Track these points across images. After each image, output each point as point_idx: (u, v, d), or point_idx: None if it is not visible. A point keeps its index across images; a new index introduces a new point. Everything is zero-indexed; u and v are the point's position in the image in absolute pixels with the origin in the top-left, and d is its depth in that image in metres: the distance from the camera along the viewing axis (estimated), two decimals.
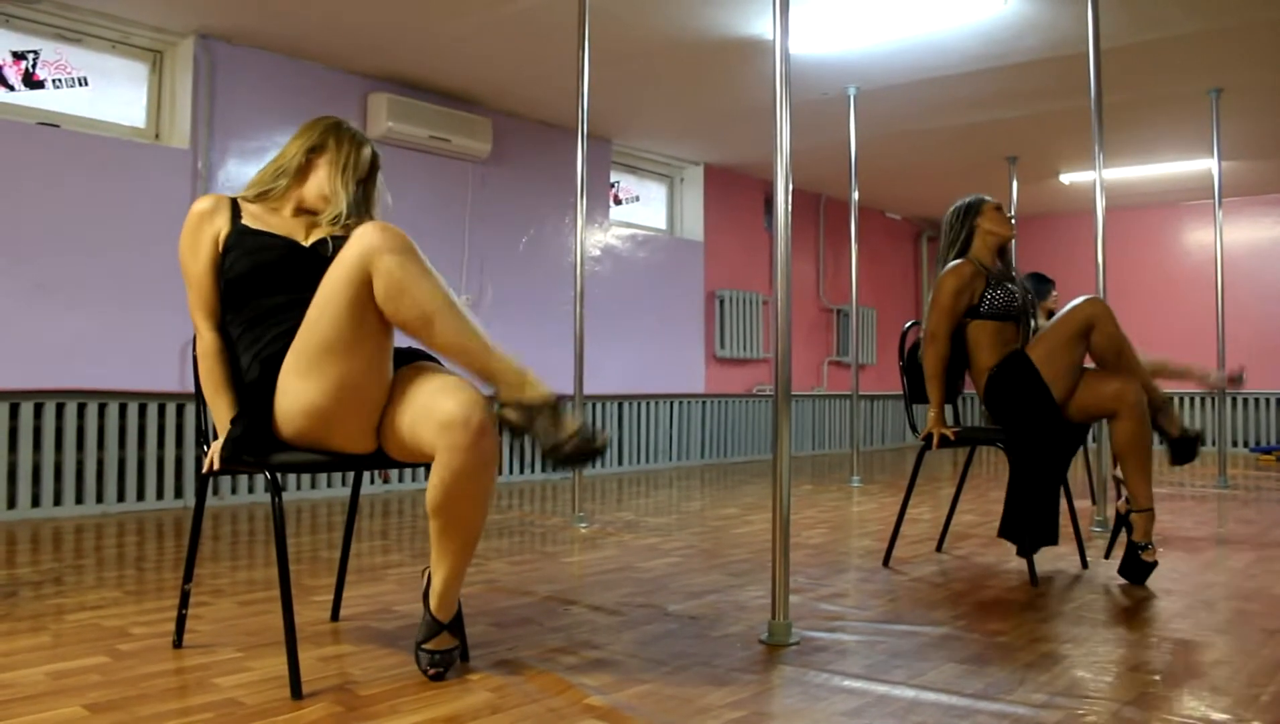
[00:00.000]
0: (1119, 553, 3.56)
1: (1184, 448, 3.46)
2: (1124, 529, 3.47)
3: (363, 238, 2.08)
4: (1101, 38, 4.71)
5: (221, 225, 2.39)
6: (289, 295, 2.32)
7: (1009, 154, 8.04)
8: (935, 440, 3.55)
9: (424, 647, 2.24)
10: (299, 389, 2.15)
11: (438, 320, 2.10)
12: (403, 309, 2.09)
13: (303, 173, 2.50)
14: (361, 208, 2.53)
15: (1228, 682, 2.24)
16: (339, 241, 2.40)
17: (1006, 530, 3.44)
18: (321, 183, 2.48)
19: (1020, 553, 3.43)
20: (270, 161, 2.53)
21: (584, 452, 2.09)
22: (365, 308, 2.10)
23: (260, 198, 2.48)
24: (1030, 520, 3.40)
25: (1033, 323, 3.69)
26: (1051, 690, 2.17)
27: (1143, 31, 5.30)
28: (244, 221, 2.41)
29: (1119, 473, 5.51)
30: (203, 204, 2.40)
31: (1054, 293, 5.68)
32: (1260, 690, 2.17)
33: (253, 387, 2.26)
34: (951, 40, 5.48)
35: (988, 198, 3.74)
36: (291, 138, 2.55)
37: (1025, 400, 3.41)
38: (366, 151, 2.54)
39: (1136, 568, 3.38)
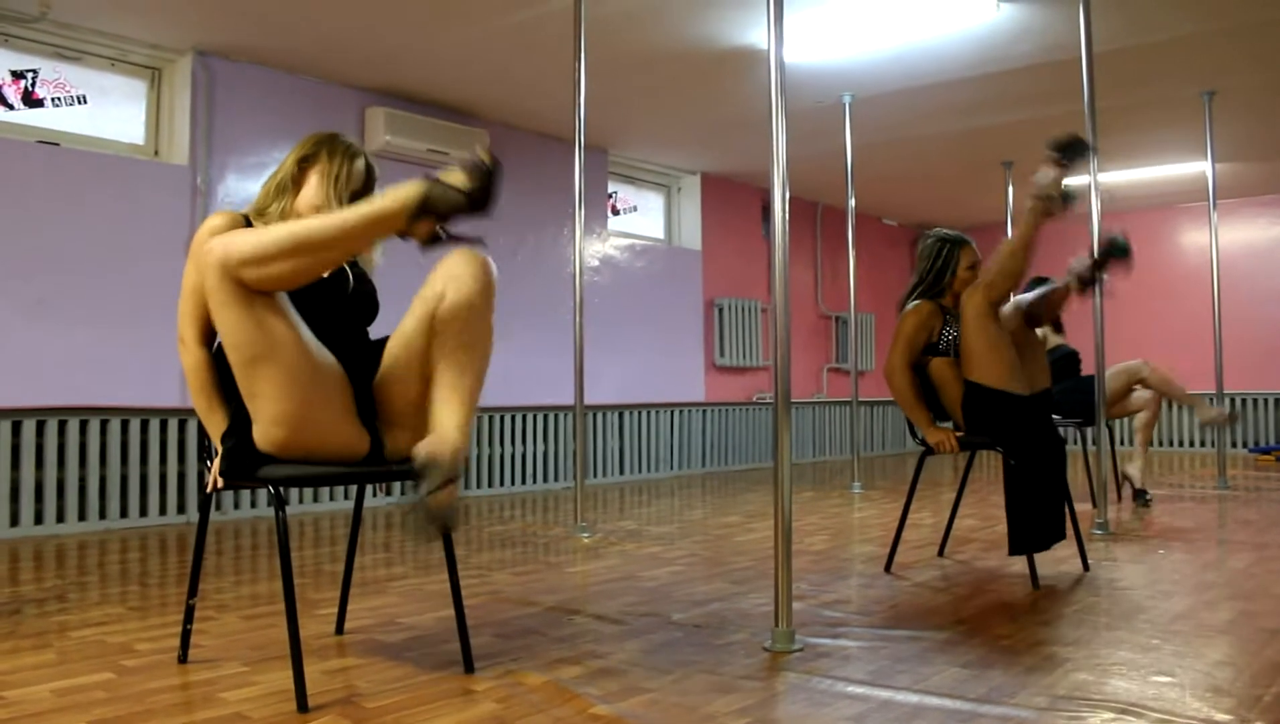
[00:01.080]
0: (1130, 564, 3.54)
1: (1070, 148, 3.48)
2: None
3: (200, 256, 2.14)
4: (1094, 42, 4.73)
5: None
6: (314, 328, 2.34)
7: (1005, 159, 8.06)
8: (945, 447, 3.57)
9: (429, 499, 2.05)
10: (255, 408, 2.17)
11: (300, 235, 2.12)
12: (250, 270, 2.09)
13: (296, 185, 2.49)
14: None
15: (1230, 682, 2.25)
16: (356, 270, 2.47)
17: (1018, 545, 3.41)
18: (313, 194, 2.47)
19: (1021, 551, 3.42)
20: (269, 177, 2.53)
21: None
22: (242, 302, 2.11)
23: (262, 216, 2.48)
24: (1036, 521, 3.41)
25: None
26: (1054, 693, 2.18)
27: (1135, 35, 5.32)
28: None
29: (1132, 469, 5.55)
30: (217, 221, 2.39)
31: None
32: (1263, 691, 2.18)
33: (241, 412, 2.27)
34: (945, 47, 5.50)
35: (968, 245, 3.77)
36: (290, 152, 2.55)
37: (999, 417, 3.43)
38: (360, 164, 2.53)
39: (1074, 146, 3.48)
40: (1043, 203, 3.47)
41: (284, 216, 2.47)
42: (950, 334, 3.61)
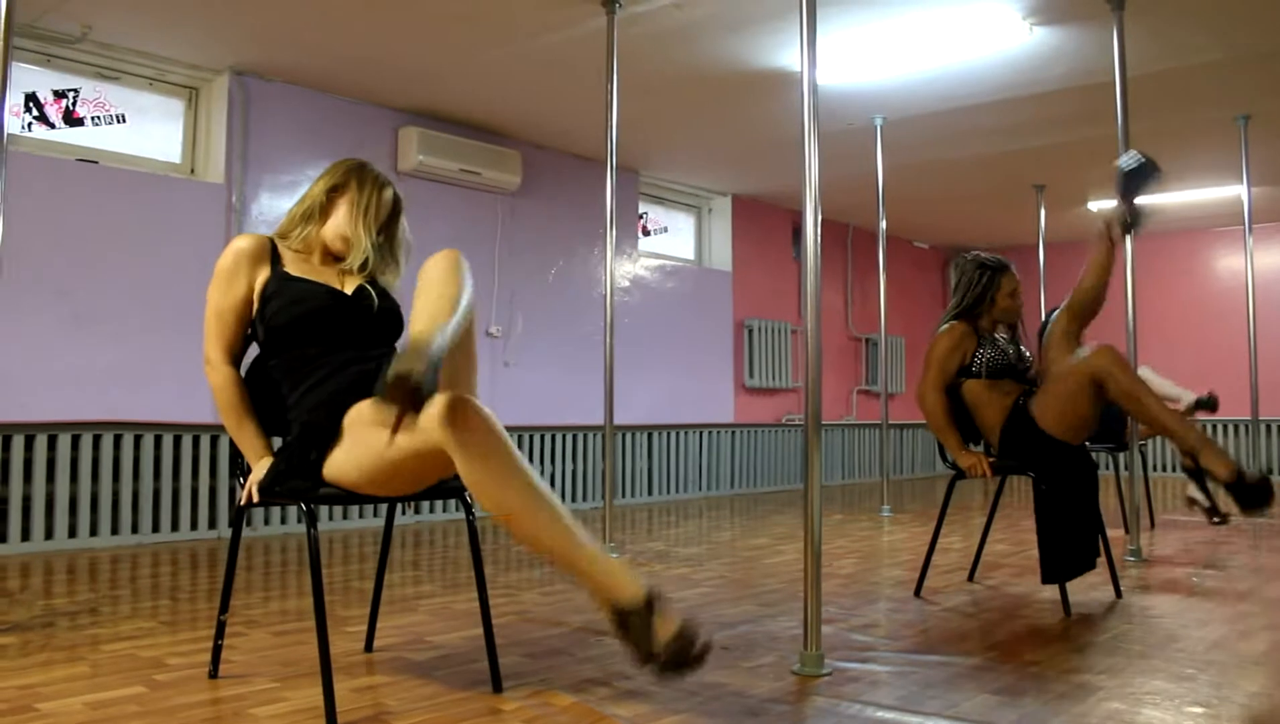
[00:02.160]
0: (1162, 594, 3.51)
1: (1251, 493, 3.03)
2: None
3: (431, 417, 1.97)
4: (1128, 65, 4.71)
5: (262, 271, 2.42)
6: (327, 346, 2.36)
7: (1036, 182, 8.03)
8: (977, 471, 3.55)
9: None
10: (350, 470, 2.18)
11: (526, 519, 2.00)
12: (483, 504, 2.04)
13: (324, 214, 2.50)
14: (385, 252, 2.53)
15: (1269, 714, 2.22)
16: (377, 288, 2.46)
17: (1050, 573, 3.38)
18: (341, 224, 2.47)
19: (1053, 580, 3.39)
20: (297, 202, 2.55)
21: (681, 658, 1.89)
22: (432, 466, 2.11)
23: (285, 239, 2.50)
24: (1069, 548, 3.39)
25: (1029, 364, 3.69)
26: (1088, 722, 2.15)
27: (1169, 59, 5.29)
28: (284, 267, 2.44)
29: (1193, 492, 5.46)
30: (244, 242, 2.42)
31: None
32: None
33: (292, 447, 2.27)
34: (977, 69, 5.49)
35: (1009, 271, 3.71)
36: (316, 179, 2.57)
37: (1032, 450, 3.42)
38: (388, 194, 2.53)
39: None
40: (1105, 234, 3.54)
41: (307, 243, 2.50)
42: (984, 356, 3.57)
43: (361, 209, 2.47)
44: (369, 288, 2.46)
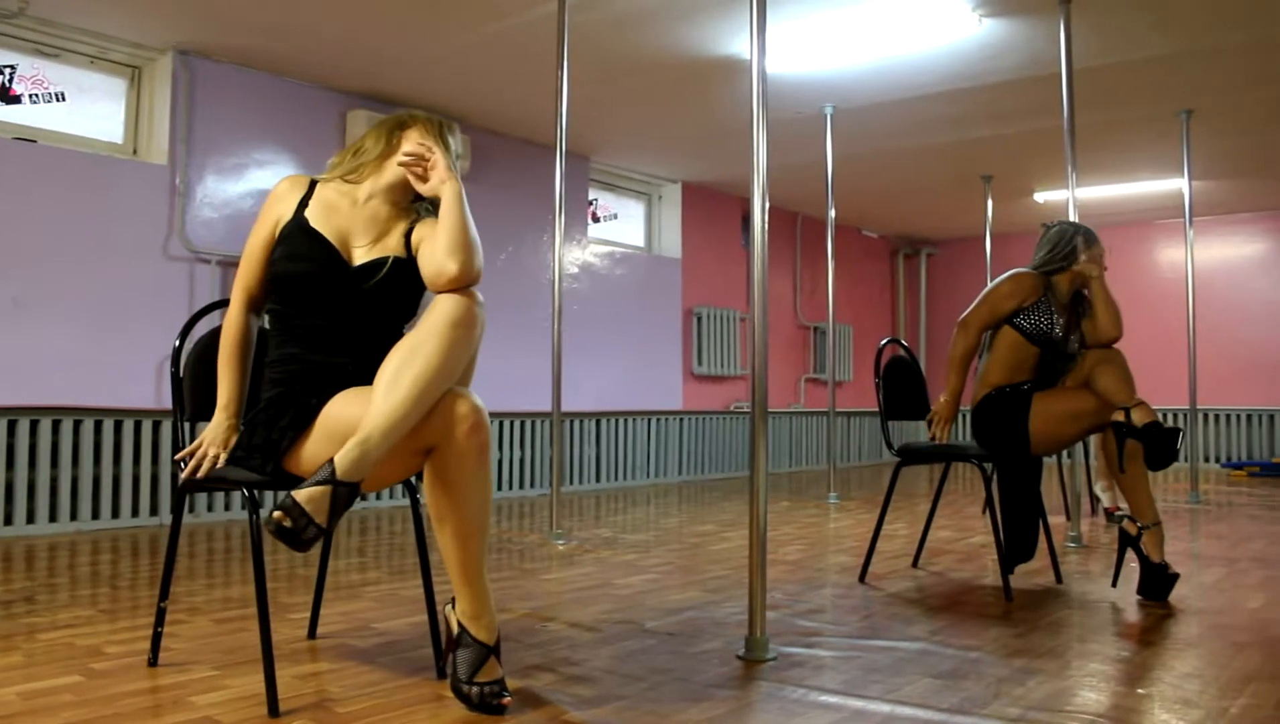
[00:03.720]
0: (1103, 577, 3.58)
1: (1162, 583, 3.33)
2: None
3: (454, 407, 2.05)
4: (1074, 59, 4.77)
5: (286, 210, 2.33)
6: (312, 315, 2.27)
7: (984, 173, 8.11)
8: (937, 426, 3.59)
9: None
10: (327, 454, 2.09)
11: (449, 527, 2.08)
12: (429, 496, 2.09)
13: (388, 151, 2.37)
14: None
15: (1199, 694, 2.27)
16: (394, 262, 2.30)
17: (1012, 560, 3.44)
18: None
19: (1006, 570, 3.45)
20: (347, 148, 2.44)
21: (477, 702, 2.09)
22: (409, 462, 2.12)
23: (339, 174, 2.39)
24: (1020, 537, 3.45)
25: (1074, 348, 3.62)
26: (1026, 704, 2.18)
27: (1115, 53, 5.36)
28: (308, 213, 2.31)
29: (1100, 491, 5.56)
30: (282, 185, 2.38)
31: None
32: (1230, 703, 2.20)
33: (267, 407, 2.22)
34: (927, 60, 5.53)
35: (1098, 240, 3.65)
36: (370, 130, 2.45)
37: (1005, 438, 3.46)
38: (456, 139, 2.44)
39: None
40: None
41: (362, 170, 2.37)
42: (1034, 317, 3.51)
43: (435, 131, 2.38)
44: (389, 260, 2.29)
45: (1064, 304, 3.60)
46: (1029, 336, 3.52)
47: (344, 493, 1.94)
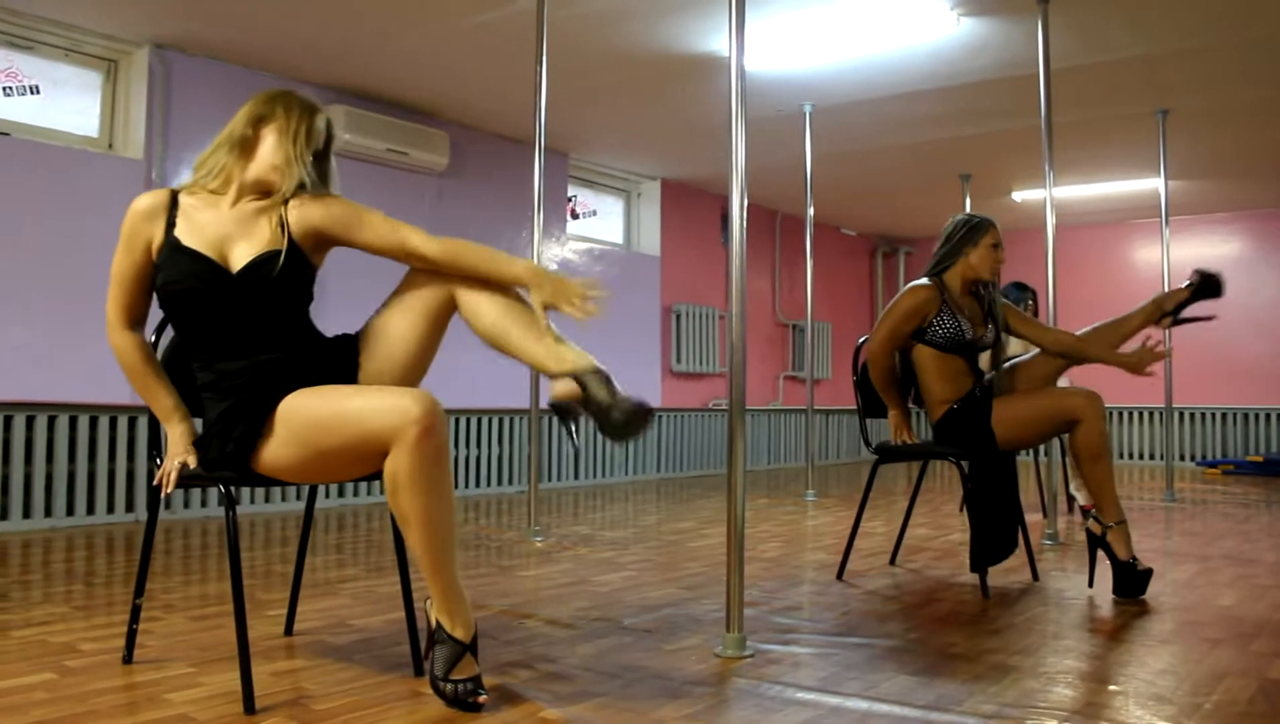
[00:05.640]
0: (1078, 574, 3.59)
1: (1133, 580, 3.34)
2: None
3: (407, 411, 2.00)
4: (1051, 59, 4.80)
5: (156, 233, 2.26)
6: (217, 329, 2.23)
7: (962, 172, 8.15)
8: (899, 435, 3.63)
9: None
10: (287, 461, 2.16)
11: (413, 530, 2.07)
12: (390, 499, 2.08)
13: (248, 147, 2.30)
14: (317, 185, 2.35)
15: (1172, 691, 2.28)
16: (277, 256, 2.24)
17: (978, 561, 3.45)
18: (270, 153, 2.29)
19: (978, 567, 3.46)
20: (215, 145, 2.34)
21: (453, 699, 2.11)
22: (365, 464, 2.12)
23: (194, 180, 2.32)
24: (993, 537, 3.46)
25: (1001, 340, 3.70)
26: (1001, 701, 2.20)
27: (1092, 53, 5.40)
28: (177, 232, 2.24)
29: (1074, 490, 5.59)
30: (141, 203, 2.28)
31: (1030, 302, 5.65)
32: (1204, 699, 2.21)
33: (216, 433, 2.21)
34: (905, 59, 5.55)
35: (993, 226, 3.63)
36: (237, 113, 2.37)
37: (974, 443, 3.47)
38: (320, 121, 2.38)
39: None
40: (1151, 312, 3.63)
41: (225, 177, 2.29)
42: (942, 326, 3.50)
43: (291, 135, 2.31)
44: (275, 256, 2.24)
45: (959, 303, 3.59)
46: (945, 348, 3.52)
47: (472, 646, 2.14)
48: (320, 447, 2.09)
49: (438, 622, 2.15)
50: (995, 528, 3.49)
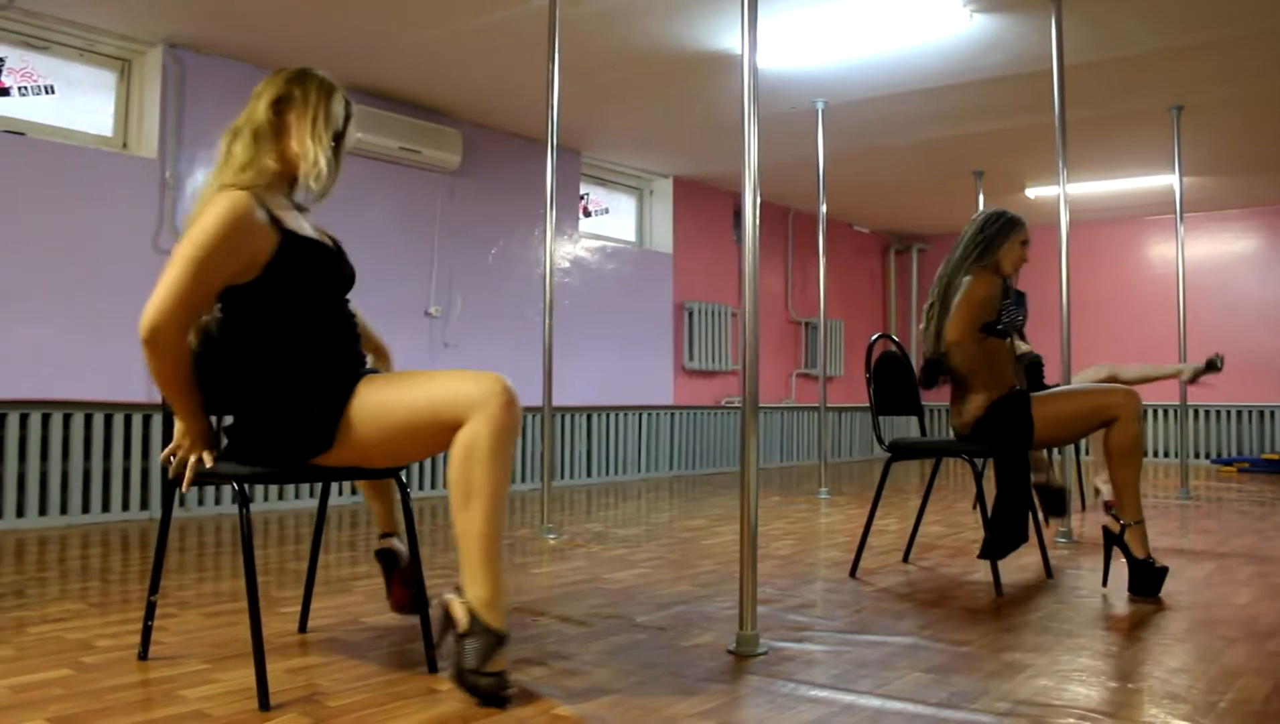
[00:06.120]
0: (1092, 572, 3.59)
1: (1149, 578, 3.33)
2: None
3: (490, 385, 2.11)
4: (1065, 55, 4.78)
5: (266, 231, 2.23)
6: (328, 307, 2.35)
7: (975, 168, 8.12)
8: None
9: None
10: (368, 433, 2.22)
11: (477, 503, 2.12)
12: (459, 470, 2.12)
13: (279, 135, 2.32)
14: (334, 168, 2.38)
15: (1187, 689, 2.28)
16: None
17: (994, 550, 3.47)
18: (295, 142, 2.31)
19: (995, 556, 3.48)
20: (241, 134, 2.32)
21: (488, 693, 2.10)
22: (439, 438, 2.17)
23: (255, 183, 2.29)
24: (1013, 528, 3.50)
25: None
26: (1015, 699, 2.19)
27: (1105, 49, 5.37)
28: (288, 225, 2.28)
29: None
30: (244, 204, 2.20)
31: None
32: (1218, 698, 2.21)
33: (313, 414, 2.20)
34: (918, 56, 5.53)
35: (1025, 225, 3.67)
36: (253, 97, 2.35)
37: (1011, 437, 3.48)
38: (338, 103, 2.38)
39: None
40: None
41: (269, 173, 2.30)
42: (1009, 313, 3.51)
43: (310, 119, 2.31)
44: (331, 240, 2.46)
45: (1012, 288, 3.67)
46: (1004, 335, 3.56)
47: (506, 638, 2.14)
48: (401, 423, 2.16)
49: (471, 612, 2.12)
50: (1014, 521, 3.51)
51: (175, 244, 2.21)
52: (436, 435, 2.16)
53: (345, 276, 2.41)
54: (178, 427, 2.27)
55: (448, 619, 2.18)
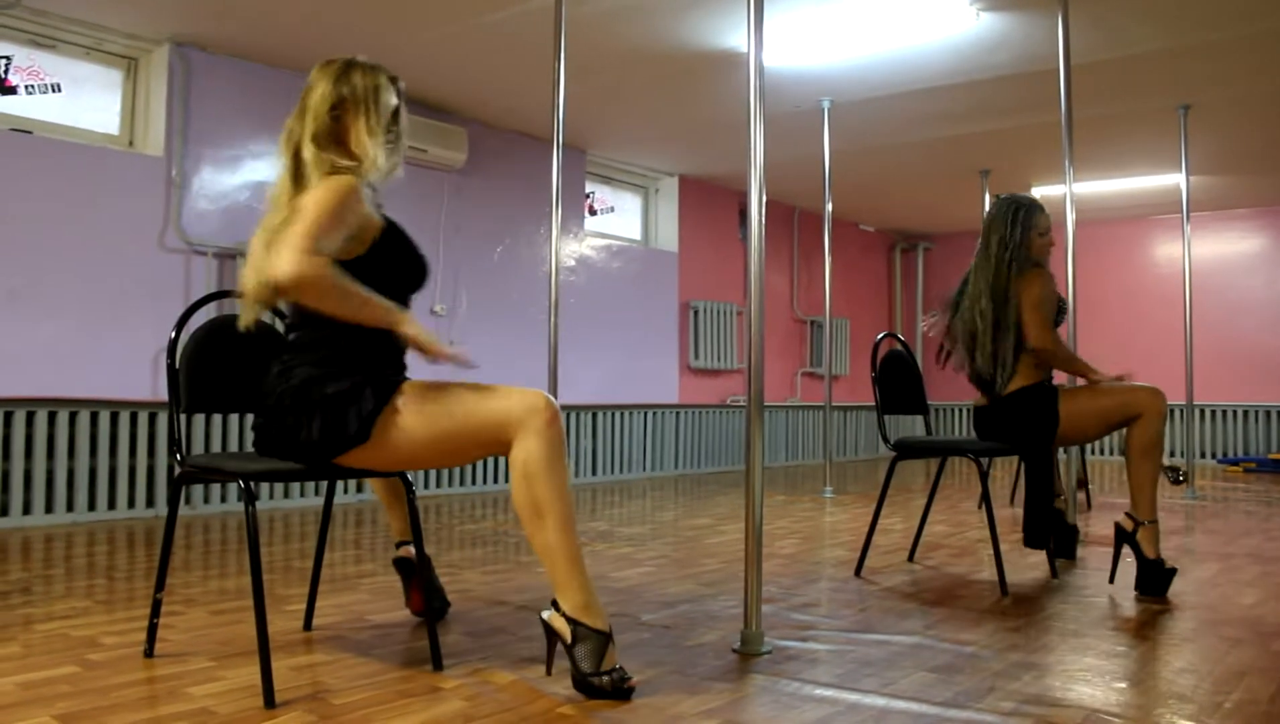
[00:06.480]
0: (1098, 572, 3.59)
1: (1158, 578, 3.34)
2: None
3: (534, 401, 2.18)
4: (1072, 54, 4.76)
5: (374, 218, 2.31)
6: (403, 302, 2.39)
7: (981, 167, 8.11)
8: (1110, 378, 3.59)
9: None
10: (418, 438, 2.24)
11: (549, 518, 2.17)
12: (523, 492, 2.17)
13: (342, 138, 2.35)
14: (392, 161, 2.43)
15: (1193, 689, 2.27)
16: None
17: (1037, 538, 3.57)
18: (354, 141, 2.34)
19: (1035, 545, 3.62)
20: (306, 143, 2.32)
21: (612, 690, 2.15)
22: (472, 452, 2.24)
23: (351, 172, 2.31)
24: (1046, 520, 3.58)
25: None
26: (1020, 698, 2.19)
27: (1112, 48, 5.36)
28: (388, 213, 2.42)
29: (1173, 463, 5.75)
30: (352, 181, 2.24)
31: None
32: (1224, 698, 2.20)
33: (368, 383, 2.23)
34: (925, 55, 5.53)
35: (1038, 213, 3.68)
36: (308, 89, 2.37)
37: (1033, 431, 3.53)
38: (389, 94, 2.40)
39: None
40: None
41: (334, 168, 2.28)
42: (1062, 302, 3.61)
43: (364, 116, 2.34)
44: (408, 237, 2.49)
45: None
46: (1057, 325, 3.65)
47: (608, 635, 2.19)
48: (442, 434, 2.20)
49: (573, 620, 2.17)
50: (1046, 509, 3.57)
51: (287, 220, 2.18)
52: (471, 450, 2.23)
53: (425, 274, 2.49)
54: (402, 332, 2.24)
55: (552, 635, 2.22)
